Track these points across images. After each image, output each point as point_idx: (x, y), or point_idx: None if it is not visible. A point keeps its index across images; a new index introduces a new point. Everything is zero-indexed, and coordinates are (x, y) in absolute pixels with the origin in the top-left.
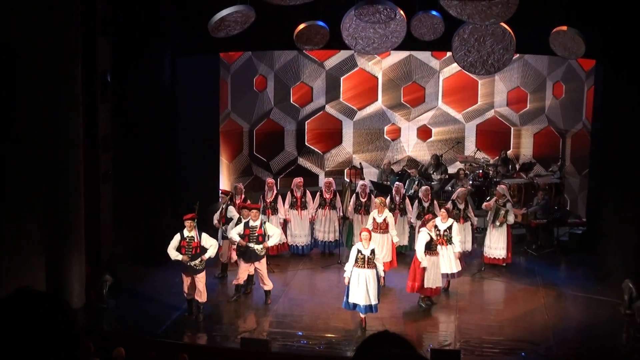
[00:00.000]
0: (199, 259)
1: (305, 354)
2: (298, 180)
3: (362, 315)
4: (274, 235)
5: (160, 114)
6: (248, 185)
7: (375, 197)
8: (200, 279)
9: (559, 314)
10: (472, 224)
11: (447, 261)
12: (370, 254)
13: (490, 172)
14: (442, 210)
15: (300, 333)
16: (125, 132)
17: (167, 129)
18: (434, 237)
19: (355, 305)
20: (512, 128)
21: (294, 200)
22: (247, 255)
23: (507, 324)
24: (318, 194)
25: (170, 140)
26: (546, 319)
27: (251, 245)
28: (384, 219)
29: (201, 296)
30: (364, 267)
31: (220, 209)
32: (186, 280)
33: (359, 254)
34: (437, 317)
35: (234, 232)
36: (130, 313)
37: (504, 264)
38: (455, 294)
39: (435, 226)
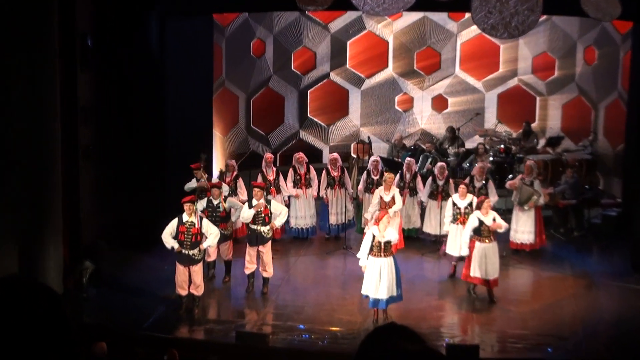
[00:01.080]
0: (198, 248)
1: (307, 350)
2: (299, 155)
3: (374, 309)
4: (281, 214)
5: (147, 83)
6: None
7: (386, 174)
8: (198, 270)
9: (589, 305)
10: None
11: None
12: (387, 241)
13: (513, 147)
14: (462, 185)
15: (301, 326)
16: (108, 103)
17: (155, 100)
18: (486, 223)
19: (373, 300)
20: (537, 98)
21: (298, 177)
22: (253, 238)
23: (532, 316)
24: (324, 172)
25: (158, 112)
26: (575, 310)
27: (255, 227)
28: (392, 197)
29: (198, 289)
30: (380, 255)
31: (197, 181)
32: (182, 272)
33: (375, 240)
34: (454, 309)
35: (241, 216)
36: (113, 304)
37: (529, 250)
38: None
39: (454, 204)
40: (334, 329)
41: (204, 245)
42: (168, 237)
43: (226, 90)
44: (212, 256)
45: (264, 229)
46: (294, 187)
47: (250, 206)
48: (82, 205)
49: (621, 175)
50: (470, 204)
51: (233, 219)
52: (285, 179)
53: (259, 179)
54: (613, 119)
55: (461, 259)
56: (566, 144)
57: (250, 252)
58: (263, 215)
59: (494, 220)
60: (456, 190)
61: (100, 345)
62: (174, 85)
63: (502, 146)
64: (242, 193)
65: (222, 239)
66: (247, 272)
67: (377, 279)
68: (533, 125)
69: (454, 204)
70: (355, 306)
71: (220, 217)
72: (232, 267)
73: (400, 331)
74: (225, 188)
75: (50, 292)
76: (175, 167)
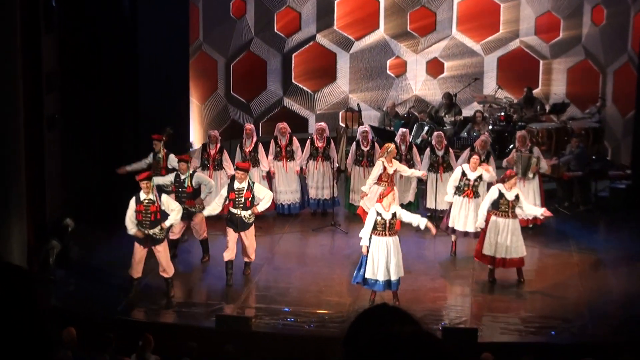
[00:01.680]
0: (159, 227)
1: (292, 334)
2: (281, 125)
3: (373, 290)
4: (265, 199)
5: (117, 47)
6: (225, 132)
7: (385, 144)
8: (162, 250)
9: (596, 285)
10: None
11: (472, 218)
12: (392, 218)
13: (514, 115)
14: (475, 156)
15: (286, 309)
16: (75, 68)
17: (126, 65)
18: (509, 198)
19: (368, 281)
20: (540, 61)
21: (279, 149)
22: (233, 222)
23: (534, 297)
24: (308, 142)
25: (129, 78)
26: (581, 291)
27: (236, 211)
28: (395, 170)
29: (166, 271)
30: (385, 234)
31: (154, 159)
32: (139, 251)
33: (379, 218)
34: (451, 290)
35: (214, 204)
36: (82, 286)
37: (531, 225)
38: (472, 262)
39: (464, 174)
40: (321, 311)
41: (167, 223)
42: (129, 223)
43: (204, 54)
44: (177, 234)
45: (245, 214)
46: (274, 159)
47: (231, 189)
48: (48, 180)
49: (631, 144)
50: (480, 177)
51: (202, 195)
52: (266, 151)
53: (237, 151)
54: (622, 84)
55: (466, 234)
56: (571, 111)
57: (229, 236)
58: (244, 198)
59: (517, 197)
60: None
61: (69, 331)
62: (147, 50)
63: (502, 114)
64: (229, 167)
65: (187, 215)
66: (226, 258)
67: (384, 259)
68: (536, 91)
69: (464, 175)
70: (344, 287)
71: (187, 193)
72: (212, 245)
73: (392, 313)
74: (197, 163)
75: (20, 272)
76: (149, 138)
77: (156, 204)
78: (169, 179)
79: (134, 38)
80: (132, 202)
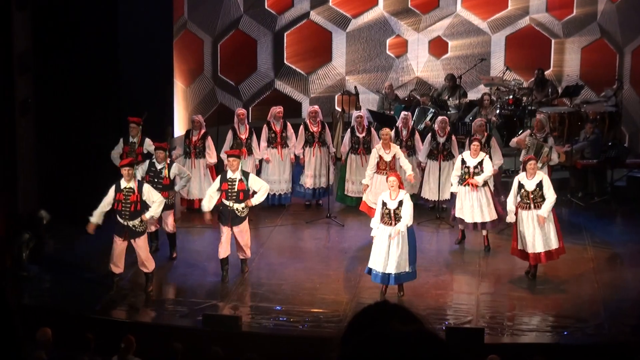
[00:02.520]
0: (139, 219)
1: (285, 334)
2: (277, 109)
3: (382, 285)
4: (261, 191)
5: (95, 24)
6: (211, 118)
7: (381, 130)
8: (141, 244)
9: (612, 281)
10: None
11: (477, 207)
12: (397, 208)
13: (524, 98)
14: (475, 142)
15: (278, 307)
16: (50, 47)
17: (105, 44)
18: (528, 189)
19: (381, 275)
20: (552, 40)
21: (273, 135)
22: (225, 216)
23: (545, 294)
24: (302, 127)
25: (109, 59)
26: (596, 288)
27: (228, 203)
28: (393, 156)
29: (146, 265)
30: (391, 223)
31: (127, 143)
32: (119, 245)
33: (384, 208)
34: (456, 287)
35: (208, 199)
36: (58, 283)
37: None
38: (479, 256)
39: (463, 162)
40: (316, 310)
41: (147, 215)
42: (98, 211)
43: (189, 32)
44: (154, 227)
45: (238, 207)
46: (268, 146)
47: (224, 179)
48: (21, 169)
49: None
50: (481, 163)
51: (176, 188)
52: (259, 137)
53: (229, 137)
54: None
55: (476, 226)
56: (586, 94)
57: (222, 231)
58: (237, 190)
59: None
60: (461, 149)
61: (44, 331)
62: (128, 28)
63: (511, 97)
64: (211, 155)
65: (165, 208)
66: (221, 256)
67: (386, 250)
68: (547, 72)
69: (463, 162)
70: (341, 284)
71: (163, 185)
72: (198, 239)
73: (393, 311)
74: (179, 153)
75: None
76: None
77: (136, 194)
78: (141, 168)
79: (113, 15)
80: (112, 190)
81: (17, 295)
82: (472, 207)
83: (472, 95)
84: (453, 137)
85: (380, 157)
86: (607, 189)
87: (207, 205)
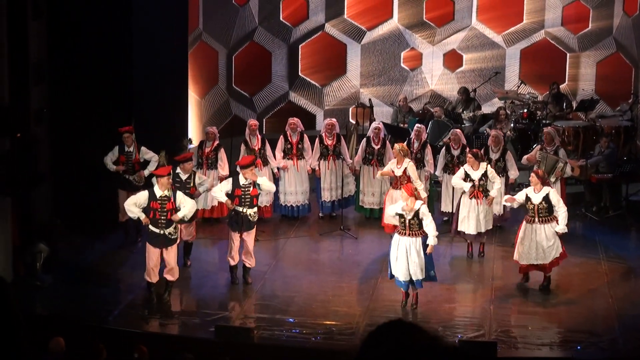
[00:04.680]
0: (173, 226)
1: (297, 346)
2: (293, 121)
3: (402, 290)
4: (269, 191)
5: (111, 35)
6: (225, 130)
7: (394, 144)
8: (172, 252)
9: (627, 296)
10: (507, 179)
11: (477, 219)
12: (413, 218)
13: (538, 112)
14: (469, 155)
15: (291, 320)
16: (65, 57)
17: (120, 55)
18: (533, 201)
19: (404, 282)
20: (567, 54)
21: (289, 146)
22: (238, 223)
23: (559, 308)
24: (317, 140)
25: (123, 70)
26: (610, 302)
27: (241, 209)
28: (404, 171)
29: (171, 274)
30: (405, 234)
31: (123, 153)
32: (153, 254)
33: (400, 217)
34: (468, 300)
35: (218, 191)
36: (71, 293)
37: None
38: (491, 269)
39: (467, 176)
40: (328, 322)
41: (180, 214)
42: (132, 206)
43: (204, 44)
44: (190, 237)
45: (251, 212)
46: (284, 157)
47: (237, 186)
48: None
49: None
50: (485, 174)
51: (201, 189)
52: (274, 148)
53: (242, 149)
54: None
55: (478, 236)
56: (601, 109)
57: (234, 239)
58: (251, 196)
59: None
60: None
61: (57, 340)
62: (143, 39)
63: (525, 111)
64: (223, 167)
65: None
66: (232, 263)
67: (395, 256)
68: (562, 86)
69: (467, 176)
70: (354, 297)
71: (190, 195)
72: (210, 250)
73: (407, 329)
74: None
75: None
76: (143, 135)
77: (172, 201)
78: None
79: (128, 26)
80: (144, 194)
81: (29, 305)
82: (477, 219)
83: (486, 108)
84: (467, 150)
85: (392, 172)
86: (621, 203)
87: (222, 197)
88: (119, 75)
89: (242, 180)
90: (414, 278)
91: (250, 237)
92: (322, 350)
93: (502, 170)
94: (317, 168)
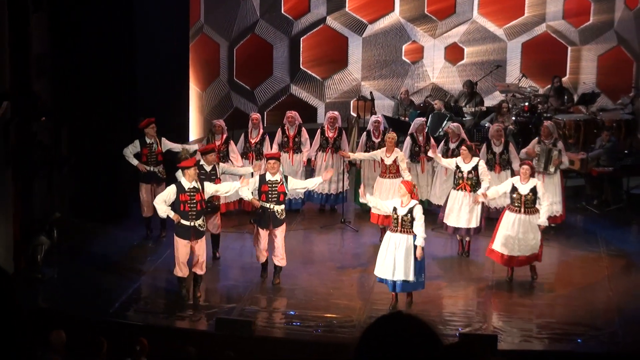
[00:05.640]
0: (202, 218)
1: (298, 339)
2: (291, 114)
3: (392, 293)
4: (308, 183)
5: (113, 28)
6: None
7: (386, 134)
8: (203, 245)
9: (627, 289)
10: (512, 173)
11: (464, 212)
12: (406, 215)
13: (539, 105)
14: (463, 147)
15: (292, 312)
16: (66, 50)
17: (122, 48)
18: (520, 191)
19: (390, 282)
20: (569, 48)
21: (285, 139)
22: (265, 220)
23: (559, 302)
24: (318, 132)
25: (126, 62)
26: (610, 295)
27: (269, 205)
28: (394, 161)
29: (201, 266)
30: (397, 230)
31: (146, 143)
32: (183, 247)
33: (393, 213)
34: (468, 293)
35: (245, 190)
36: (72, 286)
37: (553, 224)
38: (491, 262)
39: (457, 167)
40: (329, 315)
41: (241, 190)
42: (162, 204)
43: (205, 37)
44: (217, 229)
45: (278, 209)
46: (280, 150)
47: (263, 181)
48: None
49: None
50: (475, 168)
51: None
52: (271, 142)
53: (241, 141)
54: None
55: (458, 230)
56: (602, 102)
57: (262, 236)
58: (278, 192)
59: (532, 192)
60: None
61: (58, 333)
62: (144, 31)
63: (526, 104)
64: (237, 159)
65: (212, 210)
66: (262, 260)
67: (384, 253)
68: (563, 79)
69: (457, 168)
70: (354, 289)
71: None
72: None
73: (407, 322)
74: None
75: None
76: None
77: (200, 192)
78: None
79: (130, 19)
80: (172, 189)
81: (31, 298)
82: (460, 212)
83: (488, 102)
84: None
85: (382, 160)
86: (622, 196)
87: (248, 195)
88: (121, 68)
89: (268, 176)
90: (398, 278)
91: (279, 233)
92: (323, 343)
93: (507, 163)
94: (312, 159)
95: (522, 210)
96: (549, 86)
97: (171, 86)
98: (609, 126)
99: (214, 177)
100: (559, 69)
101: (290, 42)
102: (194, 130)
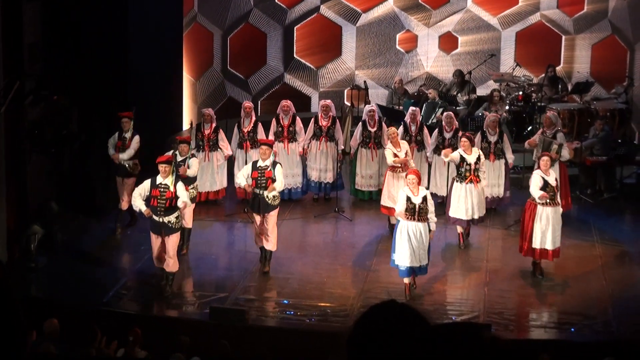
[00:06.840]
0: (174, 215)
1: (292, 328)
2: (284, 103)
3: (405, 281)
4: (279, 180)
5: (105, 16)
6: (220, 110)
7: (387, 131)
8: (173, 241)
9: (621, 279)
10: (506, 163)
11: (471, 204)
12: (422, 203)
13: (533, 94)
14: (463, 138)
15: (285, 301)
16: (59, 38)
17: (115, 37)
18: (551, 182)
19: (407, 269)
20: (563, 37)
21: (280, 128)
22: (255, 205)
23: (553, 291)
24: (312, 120)
25: (118, 52)
26: (604, 285)
27: (258, 191)
28: (405, 153)
29: (170, 264)
30: (414, 219)
31: (119, 138)
32: (155, 242)
33: (408, 203)
34: (462, 283)
35: (240, 176)
36: (66, 275)
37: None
38: (485, 252)
39: (462, 160)
40: (323, 304)
41: (179, 202)
42: (138, 198)
43: (198, 26)
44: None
45: (268, 194)
46: (275, 139)
47: (254, 167)
48: (29, 160)
49: None
50: (479, 158)
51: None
52: (266, 131)
53: (235, 132)
54: None
55: (471, 222)
56: (596, 91)
57: (256, 220)
58: (266, 177)
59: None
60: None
61: (51, 322)
62: (138, 21)
63: (520, 93)
64: (226, 147)
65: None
66: (259, 244)
67: (405, 242)
68: (557, 69)
69: (462, 160)
70: (348, 278)
71: (179, 176)
72: (208, 232)
73: (400, 311)
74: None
75: None
76: (139, 116)
77: (172, 190)
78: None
79: (123, 7)
80: (147, 183)
81: (24, 287)
82: (467, 204)
83: (482, 90)
84: (460, 133)
85: (395, 155)
86: (616, 186)
87: (242, 182)
88: (114, 57)
89: (259, 162)
90: (419, 264)
91: (269, 219)
92: (317, 331)
93: (501, 152)
94: (305, 147)
95: (556, 201)
96: (543, 75)
97: (165, 75)
98: (603, 115)
99: (180, 165)
100: (553, 58)
101: (284, 31)
102: (188, 119)
